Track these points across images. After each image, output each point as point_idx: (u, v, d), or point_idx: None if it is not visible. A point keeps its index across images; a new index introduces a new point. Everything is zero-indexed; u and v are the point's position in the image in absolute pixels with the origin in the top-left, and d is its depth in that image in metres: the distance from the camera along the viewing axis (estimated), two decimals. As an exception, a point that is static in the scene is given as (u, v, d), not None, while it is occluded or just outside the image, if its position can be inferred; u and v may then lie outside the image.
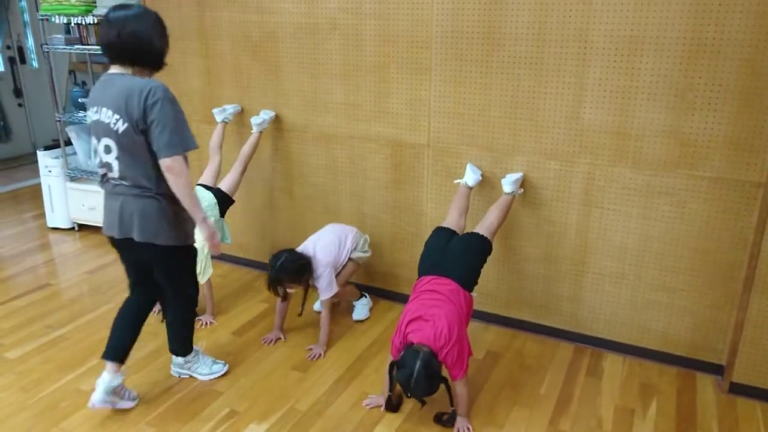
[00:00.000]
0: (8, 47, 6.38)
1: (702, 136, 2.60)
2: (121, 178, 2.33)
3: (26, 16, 6.51)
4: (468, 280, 2.61)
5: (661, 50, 2.57)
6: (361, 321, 3.36)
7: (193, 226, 2.47)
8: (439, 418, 2.53)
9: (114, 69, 2.32)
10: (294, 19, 3.34)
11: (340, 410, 2.61)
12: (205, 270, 3.29)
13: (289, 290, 3.02)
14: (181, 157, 2.25)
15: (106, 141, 2.29)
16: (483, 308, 3.31)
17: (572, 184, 2.91)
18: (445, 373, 2.39)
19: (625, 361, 2.97)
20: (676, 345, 2.91)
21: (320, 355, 3.01)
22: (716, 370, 2.85)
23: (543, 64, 2.81)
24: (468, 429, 2.49)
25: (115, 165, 2.31)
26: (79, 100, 4.44)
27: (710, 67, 2.51)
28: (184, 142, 2.25)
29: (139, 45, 2.25)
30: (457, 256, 2.65)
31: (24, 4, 6.45)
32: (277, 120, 3.58)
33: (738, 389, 2.72)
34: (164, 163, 2.22)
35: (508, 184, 2.94)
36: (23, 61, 6.56)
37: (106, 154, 2.31)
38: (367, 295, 3.47)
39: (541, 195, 2.99)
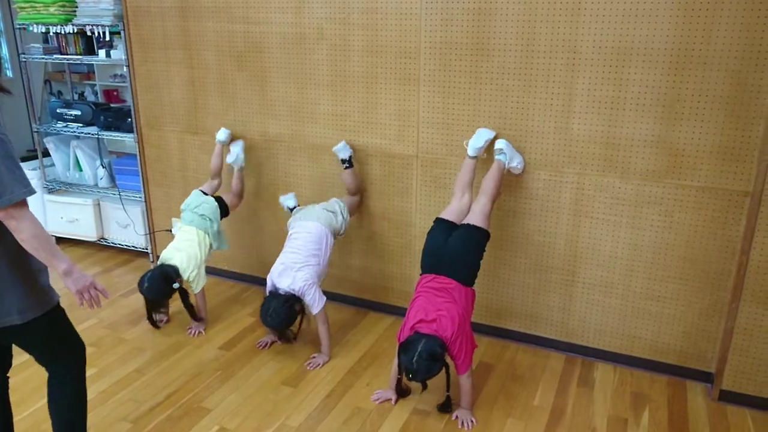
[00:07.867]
0: (-18, 57, 6.24)
1: (689, 145, 2.63)
2: None
3: (1, 25, 6.37)
4: (469, 278, 2.66)
5: (649, 61, 2.60)
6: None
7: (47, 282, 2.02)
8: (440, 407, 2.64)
9: None
10: (281, 29, 3.30)
11: (332, 426, 2.56)
12: (198, 280, 3.25)
13: (291, 330, 2.97)
14: (16, 206, 1.82)
15: None
16: (474, 319, 3.24)
17: (561, 193, 2.91)
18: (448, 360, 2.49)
19: (616, 371, 2.98)
20: (666, 353, 2.92)
21: (320, 365, 2.99)
22: (706, 378, 2.87)
23: (531, 75, 2.82)
24: (472, 422, 2.55)
25: None
26: (58, 111, 4.34)
27: (697, 77, 2.54)
28: (21, 186, 1.83)
29: None
30: (456, 254, 2.65)
31: (-2, 12, 6.31)
32: (263, 130, 3.54)
33: (728, 397, 2.74)
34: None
35: (494, 148, 2.89)
36: (-3, 70, 6.43)
37: None
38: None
39: (531, 205, 2.99)
